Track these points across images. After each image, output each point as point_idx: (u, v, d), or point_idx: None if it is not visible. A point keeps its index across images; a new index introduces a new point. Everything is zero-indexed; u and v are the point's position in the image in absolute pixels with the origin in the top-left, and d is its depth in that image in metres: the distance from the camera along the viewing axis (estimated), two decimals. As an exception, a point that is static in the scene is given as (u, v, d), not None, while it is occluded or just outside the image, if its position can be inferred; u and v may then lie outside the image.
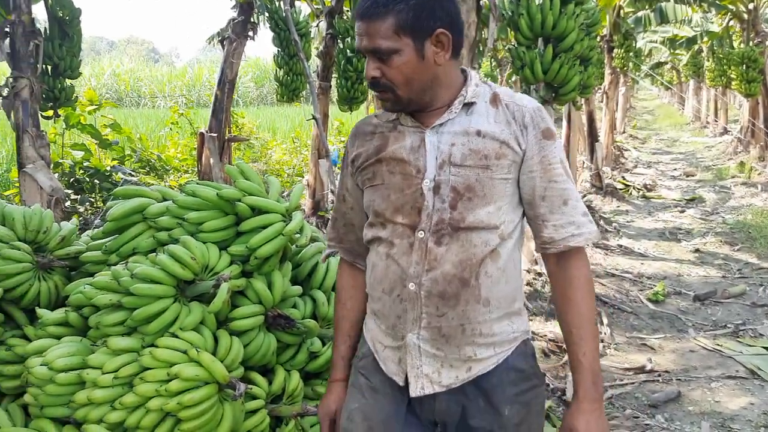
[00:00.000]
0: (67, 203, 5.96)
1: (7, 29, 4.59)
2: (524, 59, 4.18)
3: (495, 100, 1.61)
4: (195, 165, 7.96)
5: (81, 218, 5.86)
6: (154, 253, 2.27)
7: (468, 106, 1.59)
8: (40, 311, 2.28)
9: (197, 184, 2.32)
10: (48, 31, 5.04)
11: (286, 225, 2.23)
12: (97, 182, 6.50)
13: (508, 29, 8.61)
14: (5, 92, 4.60)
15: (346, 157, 1.77)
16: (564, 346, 4.48)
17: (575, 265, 1.62)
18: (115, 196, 2.49)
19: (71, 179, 6.40)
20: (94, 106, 6.84)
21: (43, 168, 4.67)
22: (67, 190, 6.17)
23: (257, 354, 2.21)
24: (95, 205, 6.57)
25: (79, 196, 6.35)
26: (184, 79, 28.89)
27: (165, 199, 2.44)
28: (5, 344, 2.28)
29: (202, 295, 2.20)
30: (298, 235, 2.32)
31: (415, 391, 1.63)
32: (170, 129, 9.31)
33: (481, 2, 3.26)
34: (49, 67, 5.07)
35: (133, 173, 6.90)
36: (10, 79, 4.57)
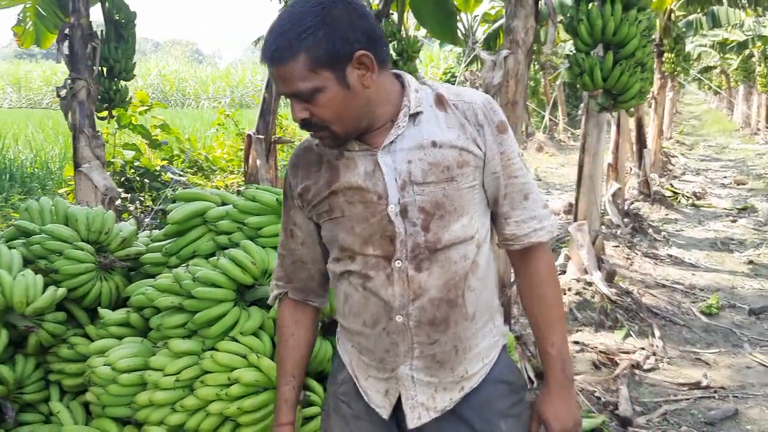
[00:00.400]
0: (117, 202, 6.07)
1: (66, 32, 4.70)
2: (583, 65, 4.08)
3: (440, 102, 1.49)
4: (241, 166, 8.06)
5: (131, 217, 5.96)
6: (214, 257, 2.29)
7: (414, 116, 1.46)
8: (102, 311, 2.31)
9: (257, 189, 2.33)
10: (104, 34, 5.14)
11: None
12: (147, 181, 6.62)
13: (556, 34, 8.51)
14: (63, 93, 4.71)
15: (289, 190, 1.61)
16: (615, 358, 4.38)
17: (539, 258, 1.60)
18: (175, 199, 2.52)
19: (122, 178, 6.53)
20: (145, 107, 6.98)
21: (98, 168, 4.77)
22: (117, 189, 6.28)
23: (314, 360, 2.20)
24: (144, 204, 6.69)
25: (129, 195, 6.48)
26: (227, 80, 29.33)
27: (224, 203, 2.47)
28: (68, 343, 2.32)
29: (261, 299, 2.20)
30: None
31: (412, 422, 1.53)
32: (216, 130, 9.45)
33: (539, 7, 3.21)
34: (105, 69, 5.18)
35: (181, 173, 7.01)
36: (69, 81, 4.68)
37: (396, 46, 6.60)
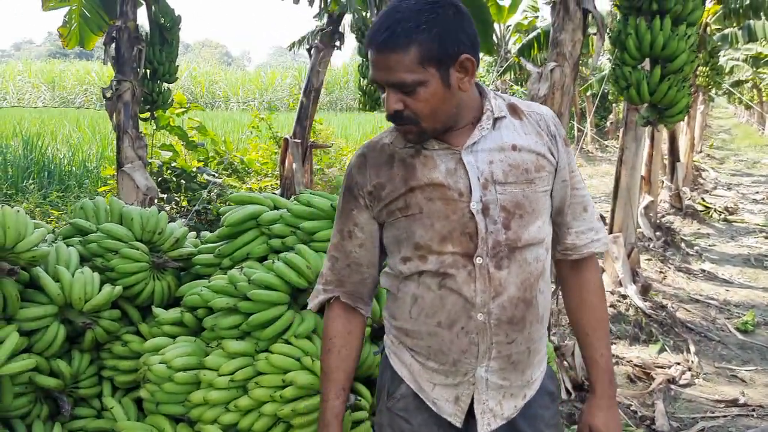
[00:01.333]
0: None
1: (113, 34, 4.80)
2: (629, 79, 4.07)
3: (515, 110, 1.55)
4: (275, 169, 8.15)
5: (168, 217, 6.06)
6: (266, 260, 2.33)
7: (496, 120, 1.51)
8: (156, 310, 2.36)
9: (311, 194, 2.37)
10: (149, 37, 5.24)
11: (398, 238, 2.25)
12: (183, 182, 6.72)
13: (590, 46, 8.47)
14: (109, 94, 4.81)
15: (352, 189, 1.59)
16: (651, 372, 4.34)
17: (592, 268, 1.67)
18: (228, 201, 2.57)
19: (159, 179, 6.64)
20: (183, 109, 7.08)
21: (140, 168, 4.87)
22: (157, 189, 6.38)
23: (363, 365, 2.22)
24: (180, 205, 6.79)
25: (165, 196, 6.58)
26: (257, 83, 29.62)
27: (276, 207, 2.50)
28: (121, 340, 2.38)
29: (313, 303, 2.23)
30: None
31: (482, 429, 1.53)
32: (251, 132, 9.55)
33: (587, 21, 3.22)
34: (149, 71, 5.27)
35: (216, 175, 7.10)
36: (114, 82, 4.79)
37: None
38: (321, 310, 1.88)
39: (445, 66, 1.38)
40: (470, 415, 1.56)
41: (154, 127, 6.70)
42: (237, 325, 2.14)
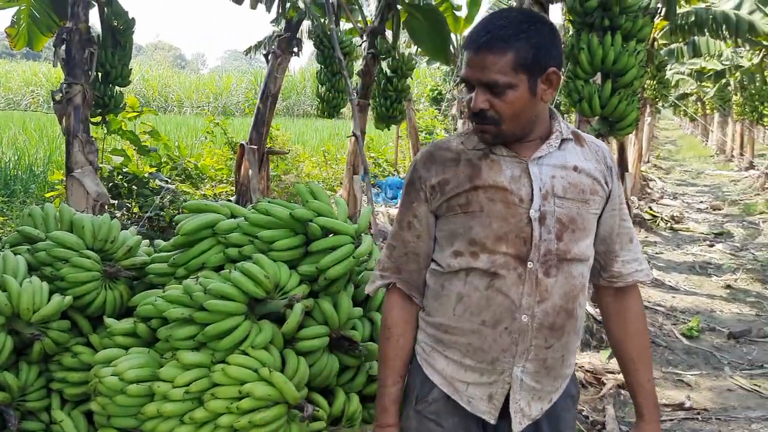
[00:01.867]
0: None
1: (64, 36, 4.67)
2: (582, 93, 4.20)
3: (578, 138, 1.70)
4: (230, 175, 8.05)
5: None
6: (224, 269, 2.30)
7: (563, 141, 1.65)
8: (108, 320, 2.31)
9: (270, 202, 2.35)
10: (101, 39, 5.13)
11: (356, 247, 2.25)
12: (135, 188, 6.58)
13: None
14: (58, 97, 4.68)
15: (414, 183, 1.70)
16: (602, 378, 4.45)
17: (634, 297, 1.78)
18: (184, 210, 2.53)
19: (110, 184, 6.48)
20: (135, 113, 6.94)
21: (91, 173, 4.74)
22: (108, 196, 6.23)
23: (321, 375, 2.22)
24: (131, 211, 6.64)
25: (116, 202, 6.43)
26: (212, 87, 29.22)
27: (233, 216, 2.48)
28: (71, 351, 2.31)
29: (270, 313, 2.22)
30: (367, 258, 2.34)
31: (516, 426, 1.63)
32: (205, 138, 9.41)
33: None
34: (101, 74, 5.15)
35: (169, 181, 6.98)
36: (65, 85, 4.66)
37: (390, 63, 6.68)
38: (281, 320, 1.90)
39: (534, 75, 1.52)
40: (500, 415, 1.66)
41: (105, 132, 6.55)
42: (192, 336, 2.10)
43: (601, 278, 1.76)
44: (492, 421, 1.65)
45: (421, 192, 1.68)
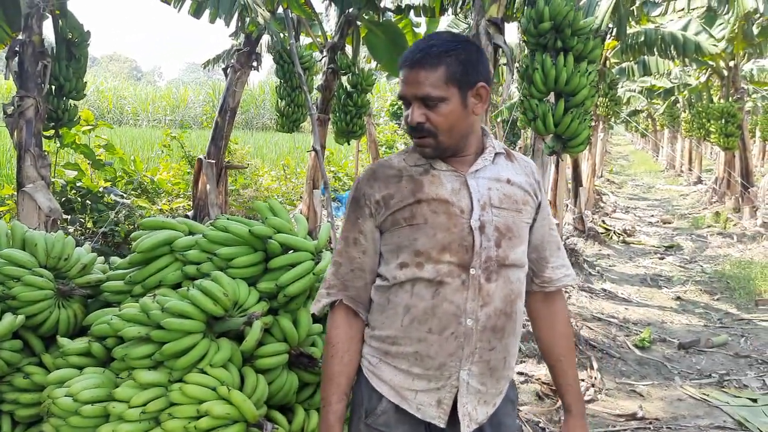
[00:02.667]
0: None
1: (17, 49, 4.59)
2: (536, 111, 4.31)
3: (509, 154, 1.82)
4: (187, 189, 7.95)
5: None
6: (181, 287, 2.29)
7: (496, 156, 1.77)
8: (62, 340, 2.27)
9: (228, 219, 2.35)
10: (56, 52, 5.04)
11: (316, 264, 2.27)
12: (89, 203, 6.44)
13: (500, 76, 8.82)
14: (10, 110, 4.58)
15: (359, 200, 1.75)
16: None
17: (562, 301, 1.90)
18: (140, 227, 2.50)
19: (62, 199, 6.33)
20: (90, 126, 6.81)
21: (43, 188, 4.64)
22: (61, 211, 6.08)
23: (280, 392, 2.22)
24: (84, 227, 6.50)
25: (69, 217, 6.28)
26: (168, 100, 28.80)
27: (191, 233, 2.46)
28: (23, 372, 2.26)
29: (229, 331, 2.21)
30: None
31: (464, 430, 1.70)
32: (162, 151, 9.27)
33: (498, 54, 3.38)
34: (54, 87, 5.06)
35: (124, 195, 6.85)
36: (17, 98, 4.56)
37: (350, 78, 6.72)
38: (240, 338, 1.89)
39: (464, 89, 1.63)
40: (449, 420, 1.71)
41: (58, 145, 6.41)
42: (149, 355, 2.08)
43: (533, 284, 1.86)
44: (442, 425, 1.70)
45: (366, 208, 1.74)
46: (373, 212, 1.73)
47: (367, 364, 1.77)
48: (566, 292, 7.16)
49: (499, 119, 19.07)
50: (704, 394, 4.78)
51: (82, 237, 6.25)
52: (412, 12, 6.51)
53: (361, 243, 1.75)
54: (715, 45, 9.32)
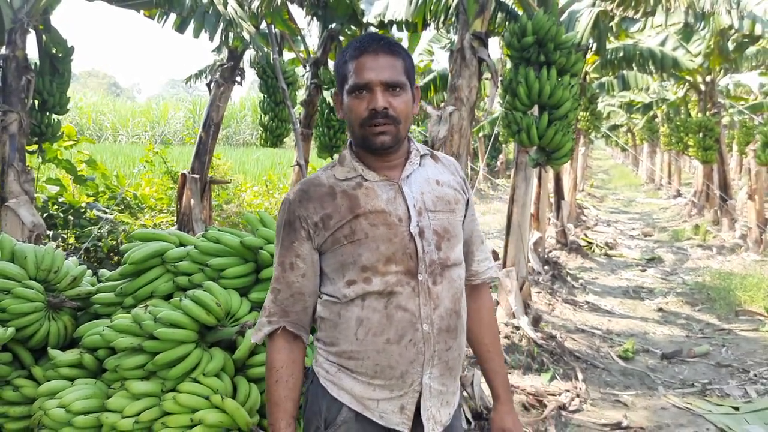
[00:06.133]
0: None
1: (0, 63, 4.57)
2: (521, 124, 4.37)
3: (433, 155, 1.83)
4: (170, 204, 7.91)
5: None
6: (173, 298, 2.29)
7: (421, 158, 1.77)
8: (52, 352, 2.26)
9: (219, 230, 2.36)
10: (39, 67, 5.03)
11: (307, 274, 2.28)
12: (71, 218, 6.39)
13: (483, 90, 8.93)
14: (-7, 125, 4.55)
15: (293, 223, 1.69)
16: (543, 400, 4.56)
17: (487, 293, 1.96)
18: (132, 239, 2.51)
19: (44, 215, 6.27)
20: (72, 142, 6.77)
21: (26, 203, 4.62)
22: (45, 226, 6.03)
23: (243, 407, 2.22)
24: (67, 242, 6.44)
25: (51, 233, 6.22)
26: (148, 116, 28.65)
27: (182, 244, 2.47)
28: (12, 385, 2.25)
29: (221, 341, 2.22)
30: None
31: None
32: (144, 167, 9.24)
33: (482, 68, 3.44)
34: (38, 102, 5.04)
35: (107, 211, 6.81)
36: (0, 113, 4.54)
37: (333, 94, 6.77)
38: (232, 347, 1.89)
39: (411, 84, 1.68)
40: (413, 424, 1.70)
41: (41, 160, 6.37)
42: (142, 365, 2.08)
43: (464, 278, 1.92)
44: (406, 431, 1.69)
45: (302, 230, 1.68)
46: (312, 234, 1.67)
47: (325, 374, 1.71)
48: (550, 304, 7.22)
49: (480, 134, 19.34)
50: (687, 403, 4.84)
51: (65, 253, 6.19)
52: (394, 27, 6.58)
53: (298, 266, 1.69)
54: (692, 60, 9.52)
